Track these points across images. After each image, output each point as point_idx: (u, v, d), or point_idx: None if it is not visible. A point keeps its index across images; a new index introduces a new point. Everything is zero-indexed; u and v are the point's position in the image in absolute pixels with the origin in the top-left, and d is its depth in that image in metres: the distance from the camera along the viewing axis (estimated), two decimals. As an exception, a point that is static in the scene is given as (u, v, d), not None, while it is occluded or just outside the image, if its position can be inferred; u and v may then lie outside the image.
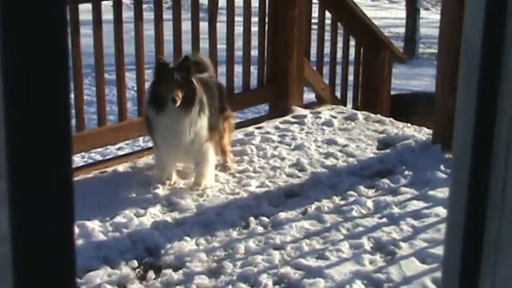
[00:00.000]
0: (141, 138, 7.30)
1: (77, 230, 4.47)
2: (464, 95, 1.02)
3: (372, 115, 6.61)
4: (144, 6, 5.87)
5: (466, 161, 1.01)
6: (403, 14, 16.06)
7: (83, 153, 7.49)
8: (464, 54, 1.02)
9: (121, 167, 5.42)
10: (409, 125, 6.37)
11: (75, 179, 5.22)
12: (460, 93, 1.04)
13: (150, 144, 5.61)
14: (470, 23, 0.99)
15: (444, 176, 5.19)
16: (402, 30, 15.92)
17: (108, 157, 6.84)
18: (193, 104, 4.91)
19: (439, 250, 4.17)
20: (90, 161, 7.29)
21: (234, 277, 4.04)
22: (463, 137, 1.01)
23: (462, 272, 1.09)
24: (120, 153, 7.19)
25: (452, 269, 1.09)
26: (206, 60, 5.59)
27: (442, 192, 4.89)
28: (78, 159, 7.66)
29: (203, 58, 5.60)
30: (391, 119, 6.54)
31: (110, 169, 5.42)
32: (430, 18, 17.23)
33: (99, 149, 7.42)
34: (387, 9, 19.02)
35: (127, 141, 7.54)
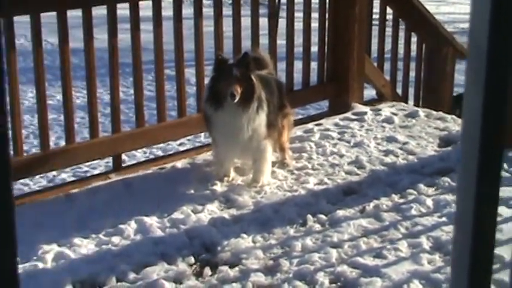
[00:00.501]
0: (202, 134, 7.32)
1: (135, 226, 4.52)
2: (471, 97, 0.98)
3: (434, 112, 6.52)
4: (204, 2, 5.88)
5: (474, 162, 0.97)
6: (469, 9, 15.85)
7: (144, 149, 7.57)
8: (470, 53, 0.98)
9: (180, 163, 5.44)
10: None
11: (136, 174, 5.28)
12: (467, 95, 1.00)
13: (210, 140, 5.62)
14: (476, 18, 0.95)
15: (507, 174, 5.08)
16: (468, 25, 15.70)
17: (168, 153, 6.89)
18: (252, 101, 4.88)
19: (499, 251, 4.07)
20: (151, 156, 7.36)
21: (291, 275, 4.02)
22: (470, 139, 0.98)
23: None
24: (181, 149, 7.24)
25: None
26: (266, 56, 5.56)
27: (505, 192, 4.77)
28: (139, 155, 7.75)
29: (263, 54, 5.58)
30: (453, 116, 6.44)
31: (168, 165, 5.45)
32: (497, 13, 16.94)
33: (161, 145, 7.50)
34: (452, 4, 18.77)
35: (188, 137, 7.59)
